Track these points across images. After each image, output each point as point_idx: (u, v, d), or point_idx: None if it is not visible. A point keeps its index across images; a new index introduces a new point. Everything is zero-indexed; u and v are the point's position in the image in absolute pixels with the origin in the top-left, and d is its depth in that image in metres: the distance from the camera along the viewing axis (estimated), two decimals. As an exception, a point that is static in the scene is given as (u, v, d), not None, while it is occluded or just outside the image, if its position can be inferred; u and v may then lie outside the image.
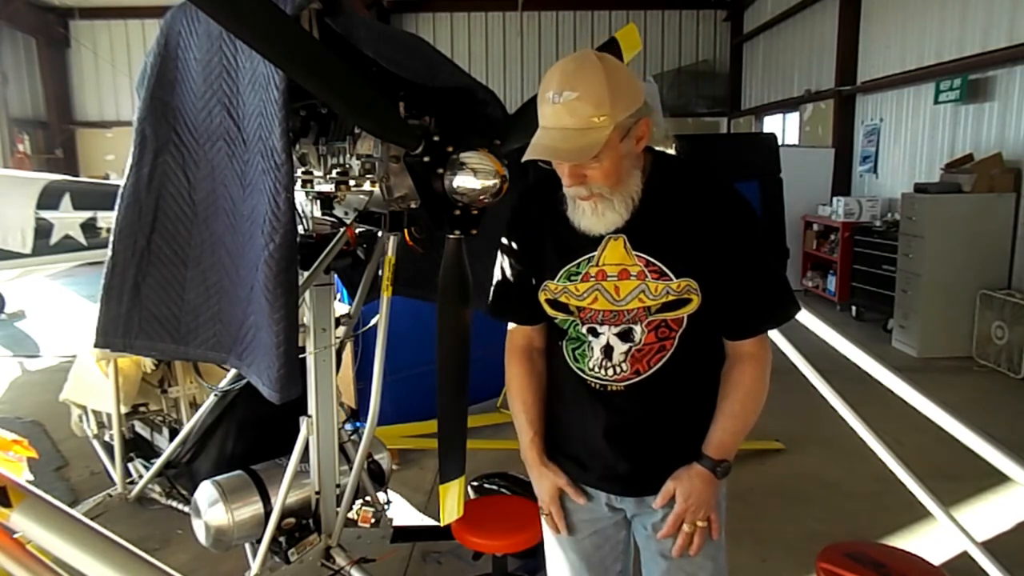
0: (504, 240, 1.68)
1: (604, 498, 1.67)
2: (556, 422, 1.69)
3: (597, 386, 1.57)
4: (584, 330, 1.55)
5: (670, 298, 1.48)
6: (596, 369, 1.55)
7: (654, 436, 1.59)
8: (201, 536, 2.31)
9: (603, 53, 1.44)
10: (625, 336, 1.51)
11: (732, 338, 1.56)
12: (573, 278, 1.53)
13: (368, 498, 2.51)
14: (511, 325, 1.73)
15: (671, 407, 1.57)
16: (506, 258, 1.68)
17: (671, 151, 1.81)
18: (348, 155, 2.00)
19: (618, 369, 1.53)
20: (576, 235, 1.50)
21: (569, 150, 1.35)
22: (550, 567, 1.80)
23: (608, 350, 1.53)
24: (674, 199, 1.49)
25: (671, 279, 1.47)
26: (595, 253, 1.51)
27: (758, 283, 1.53)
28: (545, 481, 1.68)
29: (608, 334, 1.52)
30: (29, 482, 1.06)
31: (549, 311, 1.58)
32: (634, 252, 1.48)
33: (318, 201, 2.15)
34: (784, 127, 12.41)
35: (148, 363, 3.07)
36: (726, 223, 1.49)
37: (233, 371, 2.35)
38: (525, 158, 1.38)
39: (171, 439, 2.84)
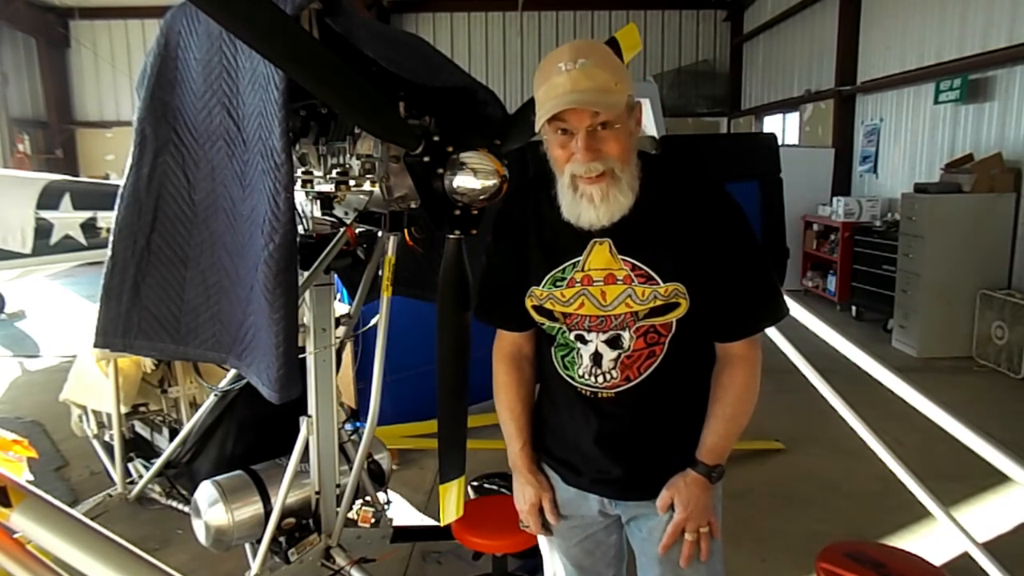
0: (490, 245, 1.68)
1: (596, 503, 1.65)
2: (548, 427, 1.69)
3: (588, 393, 1.55)
4: (572, 337, 1.53)
5: (658, 303, 1.46)
6: (586, 376, 1.54)
7: (646, 441, 1.57)
8: (201, 536, 2.31)
9: None
10: (613, 343, 1.50)
11: (721, 340, 1.55)
12: (559, 283, 1.52)
13: (368, 498, 2.51)
14: (499, 331, 1.73)
15: (663, 412, 1.56)
16: (492, 263, 1.67)
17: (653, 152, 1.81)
18: (348, 155, 2.00)
19: (608, 376, 1.52)
20: (561, 239, 1.49)
21: (596, 101, 1.34)
22: (547, 574, 1.81)
23: (597, 357, 1.51)
24: (660, 202, 1.48)
25: (658, 283, 1.46)
26: (580, 258, 1.49)
27: (746, 284, 1.51)
28: (531, 489, 1.67)
29: (596, 341, 1.51)
30: (29, 482, 1.06)
31: (536, 317, 1.57)
32: (620, 256, 1.47)
33: (318, 201, 2.15)
34: (784, 127, 12.42)
35: (148, 363, 3.07)
36: (713, 224, 1.48)
37: (233, 371, 2.35)
38: (542, 118, 1.37)
39: (171, 439, 2.84)
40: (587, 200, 1.42)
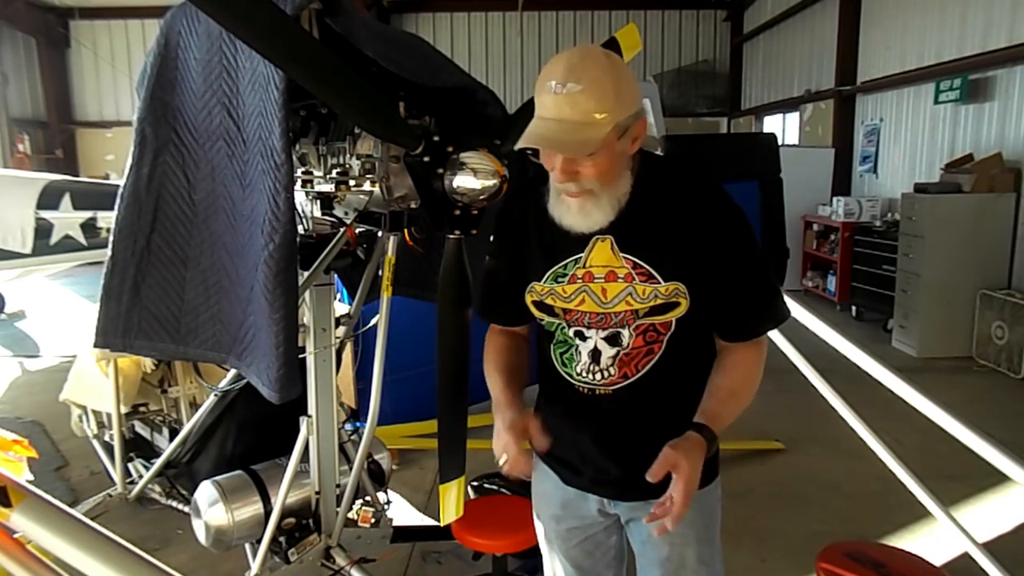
0: (490, 242, 1.68)
1: (596, 503, 1.65)
2: (547, 427, 1.67)
3: (585, 391, 1.55)
4: (571, 333, 1.53)
5: (658, 301, 1.46)
6: (584, 374, 1.54)
7: (645, 439, 1.55)
8: (201, 536, 2.31)
9: (607, 50, 1.43)
10: (613, 340, 1.50)
11: (726, 340, 1.55)
12: (560, 279, 1.51)
13: (368, 498, 2.51)
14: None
15: (660, 409, 1.56)
16: (493, 263, 1.67)
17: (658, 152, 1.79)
18: (348, 155, 2.00)
19: (606, 373, 1.52)
20: (562, 236, 1.49)
21: (566, 143, 1.32)
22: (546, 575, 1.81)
23: (596, 355, 1.51)
24: (662, 201, 1.48)
25: (659, 282, 1.45)
26: (582, 254, 1.49)
27: (746, 287, 1.51)
28: (509, 412, 1.56)
29: (596, 338, 1.51)
30: (29, 482, 1.06)
31: (536, 313, 1.57)
32: (621, 254, 1.47)
33: (318, 201, 2.15)
34: (784, 127, 12.41)
35: (148, 363, 3.07)
36: (713, 225, 1.47)
37: (233, 371, 2.35)
38: (518, 146, 1.37)
39: (171, 439, 2.84)
40: (566, 208, 1.44)
